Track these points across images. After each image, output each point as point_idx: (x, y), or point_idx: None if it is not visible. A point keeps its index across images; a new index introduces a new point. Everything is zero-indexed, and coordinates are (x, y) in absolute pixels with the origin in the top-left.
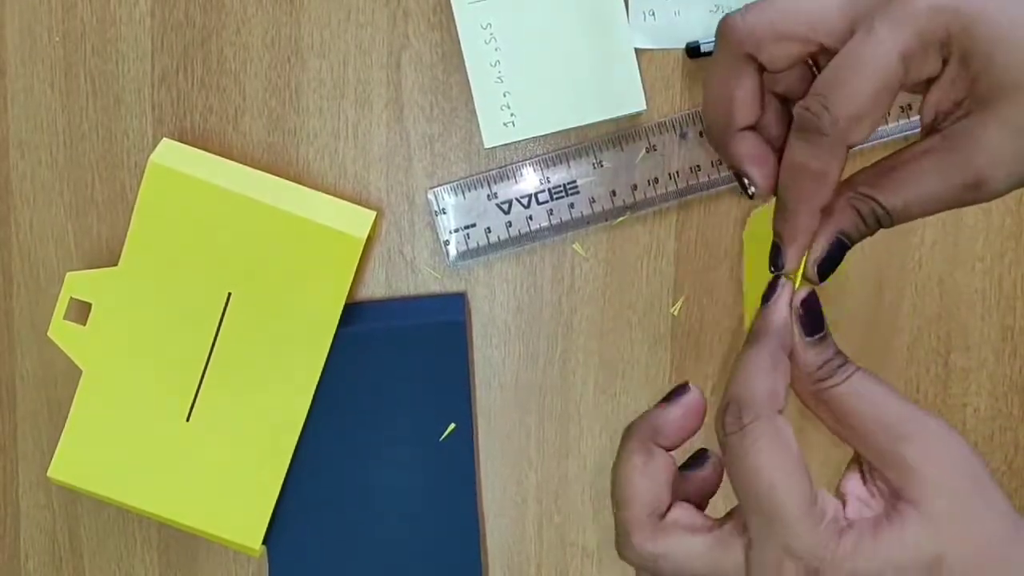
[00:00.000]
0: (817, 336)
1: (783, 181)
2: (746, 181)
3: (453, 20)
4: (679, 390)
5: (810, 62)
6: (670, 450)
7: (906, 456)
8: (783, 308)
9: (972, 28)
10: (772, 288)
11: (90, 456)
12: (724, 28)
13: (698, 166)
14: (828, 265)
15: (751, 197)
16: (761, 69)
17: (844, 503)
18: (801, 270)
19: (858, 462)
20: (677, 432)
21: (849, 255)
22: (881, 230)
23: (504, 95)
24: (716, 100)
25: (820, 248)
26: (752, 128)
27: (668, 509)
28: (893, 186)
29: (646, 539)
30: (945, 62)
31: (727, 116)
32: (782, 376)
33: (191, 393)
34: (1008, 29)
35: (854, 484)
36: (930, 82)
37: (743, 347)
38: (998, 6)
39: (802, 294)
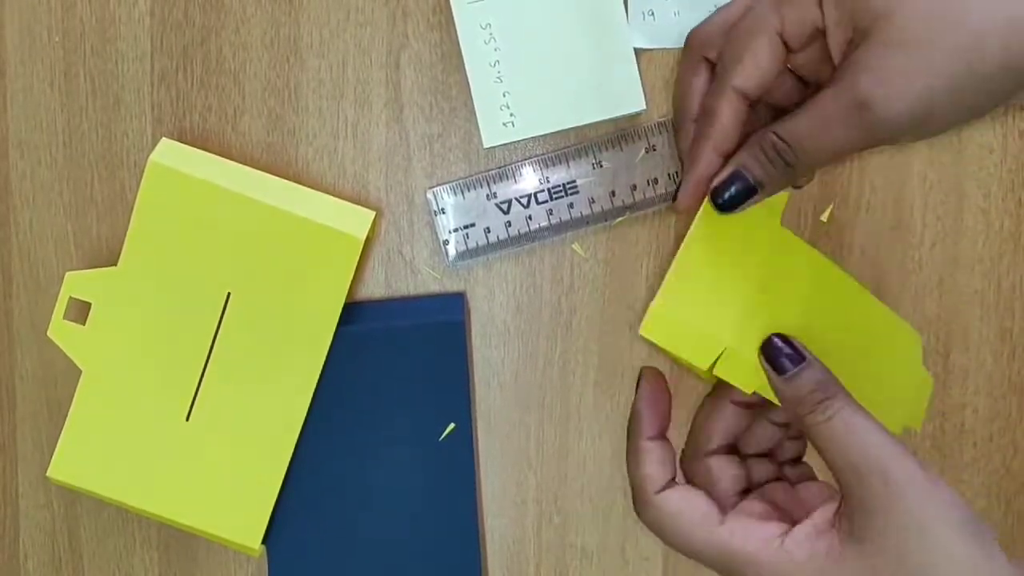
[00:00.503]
0: (784, 376)
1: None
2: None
3: (452, 20)
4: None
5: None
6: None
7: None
8: (639, 397)
9: None
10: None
11: (90, 456)
12: (687, 37)
13: None
14: (726, 195)
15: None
16: (714, 68)
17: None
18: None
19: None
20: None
21: (849, 254)
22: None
23: (504, 95)
24: (677, 95)
25: (720, 176)
26: None
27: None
28: (793, 119)
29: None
30: (821, 7)
31: (682, 108)
32: (651, 462)
33: (191, 393)
34: None
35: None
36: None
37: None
38: None
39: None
